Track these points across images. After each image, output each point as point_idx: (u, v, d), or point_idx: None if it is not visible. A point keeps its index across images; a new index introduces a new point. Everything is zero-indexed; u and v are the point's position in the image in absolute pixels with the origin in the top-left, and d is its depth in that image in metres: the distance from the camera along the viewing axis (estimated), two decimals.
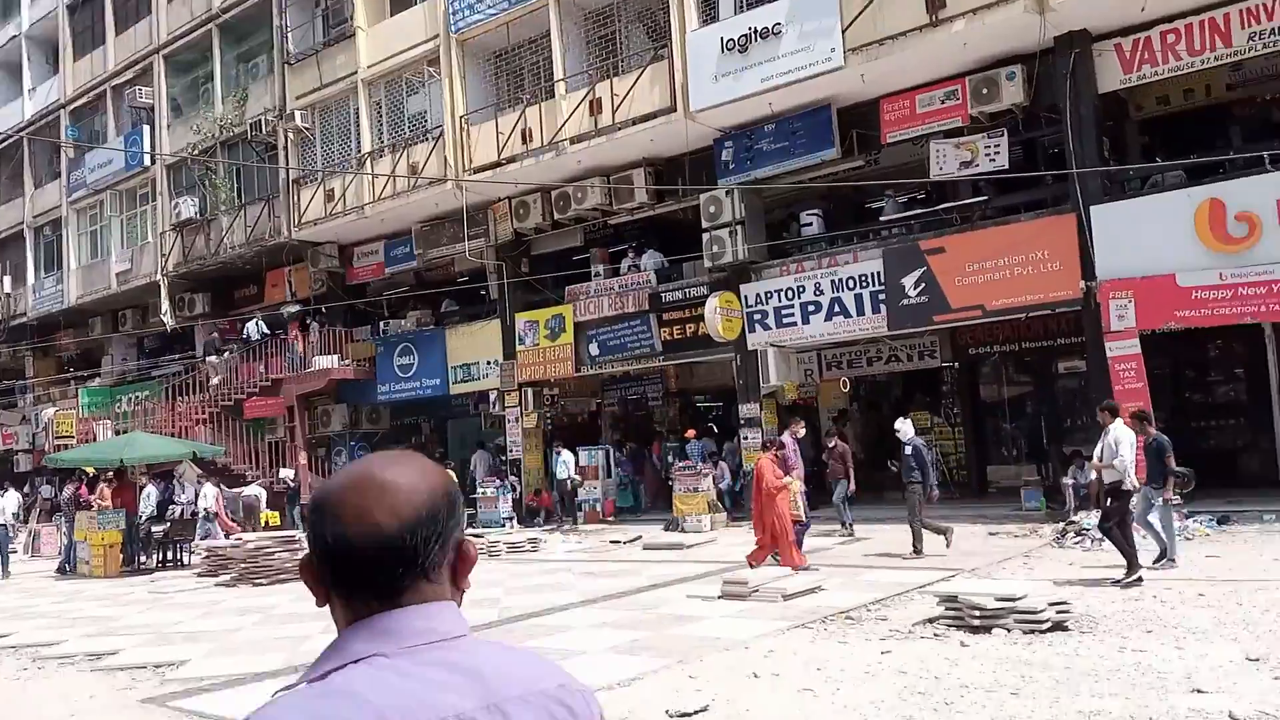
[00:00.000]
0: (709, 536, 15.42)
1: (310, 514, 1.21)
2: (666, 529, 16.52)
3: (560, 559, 14.53)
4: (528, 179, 19.25)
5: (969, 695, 5.86)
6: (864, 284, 16.08)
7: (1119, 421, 9.80)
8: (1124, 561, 9.31)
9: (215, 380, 24.73)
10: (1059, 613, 7.53)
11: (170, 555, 17.50)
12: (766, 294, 17.23)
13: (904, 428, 12.36)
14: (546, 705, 1.18)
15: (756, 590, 9.59)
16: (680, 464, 17.74)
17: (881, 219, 17.51)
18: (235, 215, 24.98)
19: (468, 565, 1.26)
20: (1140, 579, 9.12)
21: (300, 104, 23.23)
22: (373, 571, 1.17)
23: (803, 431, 13.67)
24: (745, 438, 17.84)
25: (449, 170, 19.98)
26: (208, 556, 15.22)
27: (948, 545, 11.91)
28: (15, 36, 33.08)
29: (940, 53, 14.49)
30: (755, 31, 15.81)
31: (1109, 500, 9.63)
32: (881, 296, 15.85)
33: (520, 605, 10.36)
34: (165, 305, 26.64)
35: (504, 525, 18.67)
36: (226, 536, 16.55)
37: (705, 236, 17.38)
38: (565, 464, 18.79)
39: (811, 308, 16.73)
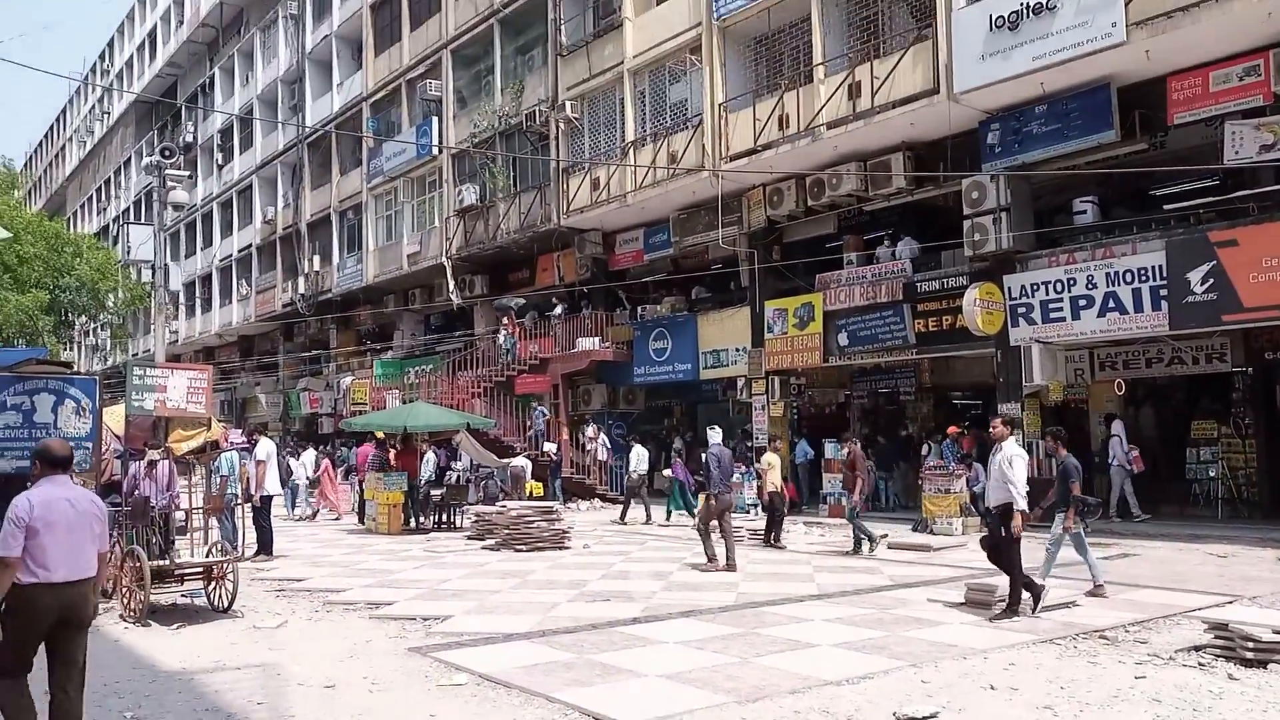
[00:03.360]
0: (958, 540, 14.85)
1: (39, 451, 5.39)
2: (914, 529, 16.08)
3: (801, 550, 14.54)
4: (782, 166, 19.25)
5: None
6: (1143, 278, 14.88)
7: (1011, 439, 9.37)
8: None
9: (506, 339, 25.84)
10: None
11: (445, 517, 19.08)
12: (1032, 286, 16.33)
13: (711, 434, 13.35)
14: (89, 499, 5.31)
15: (1004, 600, 9.21)
16: (932, 463, 17.18)
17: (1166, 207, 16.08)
18: (511, 202, 26.65)
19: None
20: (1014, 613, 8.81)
21: (570, 94, 24.38)
22: (57, 463, 5.24)
23: None
24: None
25: (706, 158, 20.34)
26: (477, 521, 16.46)
27: (729, 565, 12.14)
28: (327, 35, 36.82)
29: (1238, 24, 13.11)
30: (1027, 7, 14.94)
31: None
32: (1163, 292, 14.61)
33: (757, 592, 10.51)
34: (451, 285, 28.85)
35: (748, 512, 18.87)
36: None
37: (966, 224, 16.69)
38: (639, 457, 18.85)
39: (1083, 302, 15.69)
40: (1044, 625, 8.47)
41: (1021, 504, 8.89)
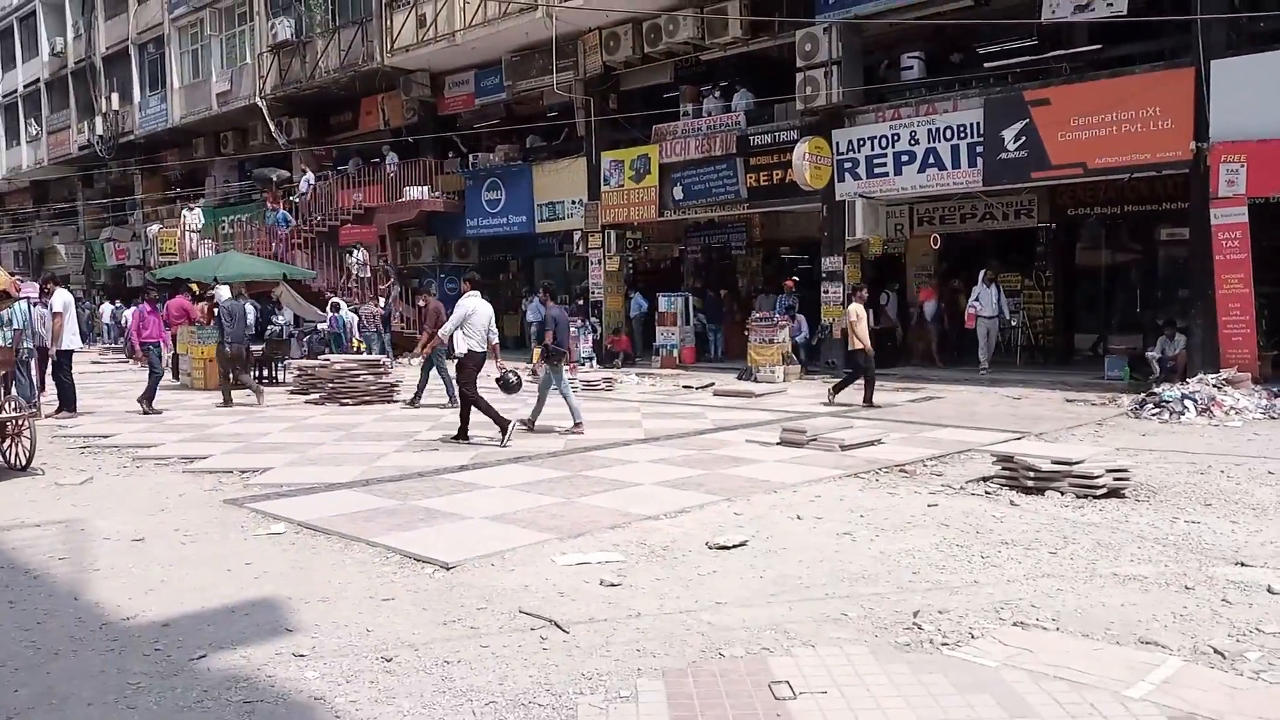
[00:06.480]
0: (780, 387, 15.51)
1: None
2: (740, 378, 16.65)
3: (633, 399, 14.83)
4: (618, 6, 18.64)
5: (1006, 551, 5.91)
6: (962, 134, 15.41)
7: (472, 292, 10.53)
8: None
9: (271, 214, 25.23)
10: (1116, 479, 7.43)
11: (266, 372, 18.37)
12: (859, 141, 16.66)
13: (220, 291, 14.45)
14: None
15: (815, 439, 9.69)
16: (757, 315, 17.68)
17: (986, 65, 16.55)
18: (330, 38, 24.93)
19: None
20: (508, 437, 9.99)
21: None
22: None
23: None
24: (826, 291, 17.63)
25: None
26: (300, 375, 15.94)
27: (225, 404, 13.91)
28: None
29: None
30: None
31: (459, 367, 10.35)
32: (979, 149, 15.20)
33: (587, 438, 10.66)
34: (272, 127, 27.05)
35: (583, 364, 19.02)
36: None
37: (799, 76, 16.74)
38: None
39: (905, 158, 16.16)
40: (849, 461, 8.97)
41: (457, 348, 10.20)
